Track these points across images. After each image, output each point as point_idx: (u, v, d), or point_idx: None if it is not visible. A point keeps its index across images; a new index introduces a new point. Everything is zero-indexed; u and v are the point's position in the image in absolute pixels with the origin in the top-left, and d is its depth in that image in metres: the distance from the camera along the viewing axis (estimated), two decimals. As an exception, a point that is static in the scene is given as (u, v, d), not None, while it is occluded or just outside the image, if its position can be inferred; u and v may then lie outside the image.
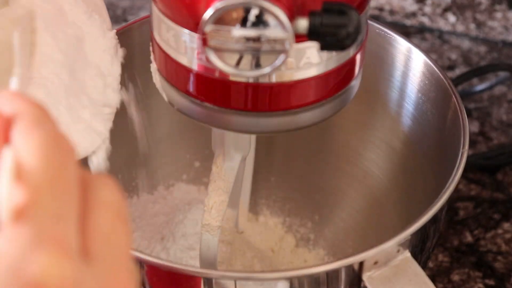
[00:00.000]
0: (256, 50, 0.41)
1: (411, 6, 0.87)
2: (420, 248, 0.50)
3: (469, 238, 0.69)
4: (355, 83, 0.48)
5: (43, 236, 0.26)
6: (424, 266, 0.53)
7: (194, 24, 0.42)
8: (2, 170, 0.27)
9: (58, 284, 0.26)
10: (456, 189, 0.70)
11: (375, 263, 0.47)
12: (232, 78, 0.43)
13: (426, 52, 0.60)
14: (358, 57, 0.47)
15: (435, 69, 0.58)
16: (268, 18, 0.40)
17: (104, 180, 0.30)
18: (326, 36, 0.40)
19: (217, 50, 0.41)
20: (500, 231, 0.69)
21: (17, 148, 0.27)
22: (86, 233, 0.28)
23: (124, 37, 0.62)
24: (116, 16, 0.89)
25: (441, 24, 0.87)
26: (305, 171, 0.68)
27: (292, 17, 0.40)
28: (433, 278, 0.65)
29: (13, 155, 0.27)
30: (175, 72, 0.46)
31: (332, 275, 0.47)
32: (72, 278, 0.26)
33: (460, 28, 0.87)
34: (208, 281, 0.46)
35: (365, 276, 0.47)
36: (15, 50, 0.45)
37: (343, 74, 0.46)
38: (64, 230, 0.27)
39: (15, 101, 0.28)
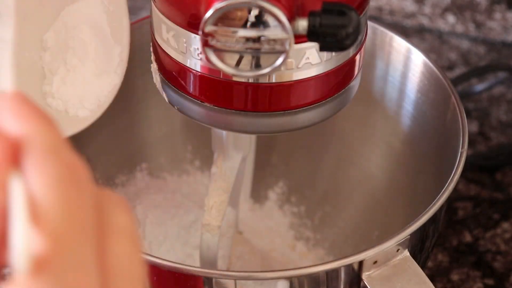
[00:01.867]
0: (256, 51, 0.41)
1: (411, 7, 0.87)
2: (419, 247, 0.50)
3: (468, 238, 0.69)
4: (355, 83, 0.48)
5: None
6: (423, 266, 0.53)
7: (194, 25, 0.42)
8: (14, 207, 0.25)
9: None
10: (456, 189, 0.70)
11: (375, 262, 0.47)
12: (232, 79, 0.44)
13: (426, 52, 0.60)
14: (357, 57, 0.47)
15: (435, 69, 0.58)
16: (268, 18, 0.40)
17: (116, 202, 0.27)
18: (326, 37, 0.40)
19: (217, 51, 0.41)
20: (499, 231, 0.69)
21: (31, 183, 0.25)
22: (104, 265, 0.26)
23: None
24: (116, 16, 0.88)
25: (441, 24, 0.87)
26: (305, 171, 0.69)
27: (291, 17, 0.40)
28: (432, 278, 0.65)
29: (26, 190, 0.25)
30: (175, 73, 0.46)
31: (332, 275, 0.47)
32: None
33: (459, 28, 0.87)
34: (208, 280, 0.46)
35: (365, 276, 0.47)
36: None
37: (343, 74, 0.46)
38: (87, 281, 0.25)
39: (23, 117, 0.25)
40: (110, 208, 0.27)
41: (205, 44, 0.41)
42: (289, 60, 0.42)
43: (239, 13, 0.40)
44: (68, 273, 0.24)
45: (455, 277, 0.65)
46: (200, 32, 0.41)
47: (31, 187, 0.25)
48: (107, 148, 0.64)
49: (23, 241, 0.24)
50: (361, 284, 0.47)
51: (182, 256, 0.60)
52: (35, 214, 0.24)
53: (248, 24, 0.40)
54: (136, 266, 0.27)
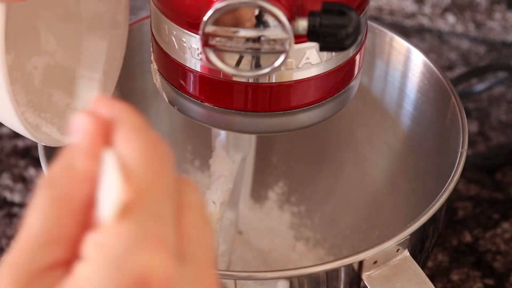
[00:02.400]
0: (256, 51, 0.41)
1: (411, 7, 0.87)
2: (419, 247, 0.50)
3: (468, 238, 0.69)
4: (355, 83, 0.48)
5: (147, 234, 0.27)
6: (423, 266, 0.53)
7: (194, 25, 0.42)
8: (107, 170, 0.28)
9: (162, 280, 0.27)
10: (455, 189, 0.69)
11: (375, 262, 0.47)
12: (232, 79, 0.44)
13: (426, 52, 0.60)
14: (357, 57, 0.47)
15: (435, 69, 0.58)
16: (268, 18, 0.40)
17: (190, 183, 0.31)
18: (326, 37, 0.40)
19: (217, 51, 0.41)
20: (499, 231, 0.69)
21: (121, 151, 0.29)
22: (180, 234, 0.29)
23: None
24: (116, 16, 0.89)
25: (441, 24, 0.87)
26: (305, 171, 0.68)
27: (291, 17, 0.40)
28: (432, 278, 0.65)
29: (117, 157, 0.28)
30: (175, 73, 0.46)
31: (332, 275, 0.47)
32: (173, 277, 0.27)
33: (459, 28, 0.87)
34: (208, 280, 0.46)
35: (365, 276, 0.47)
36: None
37: (343, 74, 0.46)
38: (165, 230, 0.28)
39: (114, 106, 0.30)
40: (185, 187, 0.31)
41: (205, 44, 0.41)
42: (289, 60, 0.42)
43: (239, 13, 0.40)
44: (148, 222, 0.28)
45: (455, 277, 0.65)
46: (200, 32, 0.41)
47: (121, 155, 0.28)
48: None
49: (114, 192, 0.28)
50: (361, 284, 0.47)
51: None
52: (125, 173, 0.28)
53: (248, 24, 0.40)
54: (207, 239, 0.30)
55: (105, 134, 0.29)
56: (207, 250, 0.30)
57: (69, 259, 0.28)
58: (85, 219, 0.29)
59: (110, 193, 0.28)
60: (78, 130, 0.29)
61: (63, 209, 0.28)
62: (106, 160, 0.29)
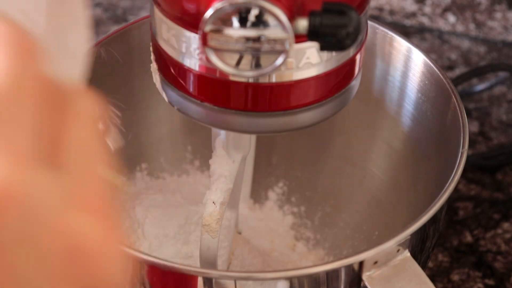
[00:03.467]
0: (256, 50, 0.41)
1: (411, 6, 0.87)
2: (420, 248, 0.50)
3: (468, 238, 0.69)
4: (355, 83, 0.48)
5: None
6: (423, 266, 0.53)
7: (194, 24, 0.42)
8: None
9: (11, 188, 0.24)
10: (456, 189, 0.69)
11: (375, 263, 0.47)
12: (232, 78, 0.43)
13: (426, 52, 0.60)
14: (358, 57, 0.47)
15: (435, 69, 0.58)
16: (268, 18, 0.40)
17: (83, 93, 0.27)
18: (326, 36, 0.40)
19: (217, 50, 0.41)
20: (499, 231, 0.69)
21: None
22: (57, 143, 0.26)
23: (123, 37, 0.62)
24: (116, 16, 0.89)
25: (441, 24, 0.87)
26: (305, 171, 0.68)
27: (292, 17, 0.40)
28: (432, 278, 0.65)
29: None
30: (175, 72, 0.46)
31: (332, 275, 0.47)
32: (31, 185, 0.24)
33: (460, 28, 0.87)
34: (208, 281, 0.46)
35: (365, 276, 0.47)
36: None
37: (343, 74, 0.46)
38: (18, 139, 0.24)
39: None
40: (75, 97, 0.27)
41: (205, 43, 0.41)
42: (289, 59, 0.42)
43: (239, 13, 0.40)
44: None
45: (455, 277, 0.65)
46: (200, 32, 0.41)
47: None
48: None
49: None
50: (362, 284, 0.47)
51: (182, 256, 0.60)
52: None
53: (248, 23, 0.40)
54: (94, 148, 0.27)
55: None
56: (89, 158, 0.27)
57: None
58: None
59: None
60: None
61: None
62: None
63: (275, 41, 0.40)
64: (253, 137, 0.58)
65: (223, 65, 0.41)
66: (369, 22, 0.57)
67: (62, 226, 0.25)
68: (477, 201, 0.71)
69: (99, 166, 0.27)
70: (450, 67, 0.84)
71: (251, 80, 0.44)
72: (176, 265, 0.47)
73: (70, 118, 0.26)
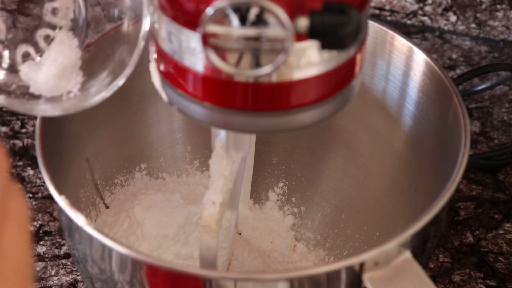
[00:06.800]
0: (256, 49, 0.40)
1: (412, 6, 0.87)
2: (421, 248, 0.50)
3: (470, 238, 0.68)
4: (356, 83, 0.48)
5: None
6: (425, 267, 0.52)
7: (194, 23, 0.42)
8: None
9: None
10: (457, 189, 0.69)
11: (376, 263, 0.47)
12: (232, 78, 0.43)
13: (427, 51, 0.60)
14: (358, 56, 0.46)
15: (436, 68, 0.58)
16: (268, 17, 0.40)
17: (17, 191, 0.29)
18: (327, 35, 0.40)
19: (217, 49, 0.41)
20: (501, 231, 0.69)
21: None
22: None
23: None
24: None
25: (442, 23, 0.87)
26: (305, 171, 0.68)
27: (292, 16, 0.40)
28: (434, 279, 0.65)
29: None
30: (175, 72, 0.46)
31: (333, 276, 0.47)
32: None
33: (461, 27, 0.87)
34: (208, 281, 0.46)
35: (366, 277, 0.47)
36: None
37: (344, 73, 0.46)
38: None
39: None
40: (12, 194, 0.29)
41: (205, 43, 0.41)
42: (289, 59, 0.42)
43: (239, 11, 0.40)
44: None
45: (456, 278, 0.65)
46: (200, 31, 0.41)
47: None
48: (106, 148, 0.64)
49: None
50: (362, 285, 0.47)
51: (181, 257, 0.60)
52: None
53: (248, 22, 0.40)
54: (21, 250, 0.29)
55: None
56: (18, 266, 0.28)
57: None
58: None
59: None
60: None
61: None
62: None
63: (275, 40, 0.40)
64: (253, 137, 0.58)
65: (223, 64, 0.41)
66: (370, 21, 0.57)
67: None
68: (478, 201, 0.71)
69: (25, 270, 0.29)
70: (451, 67, 0.84)
71: (251, 80, 0.43)
72: (175, 266, 0.46)
73: (7, 218, 0.28)
